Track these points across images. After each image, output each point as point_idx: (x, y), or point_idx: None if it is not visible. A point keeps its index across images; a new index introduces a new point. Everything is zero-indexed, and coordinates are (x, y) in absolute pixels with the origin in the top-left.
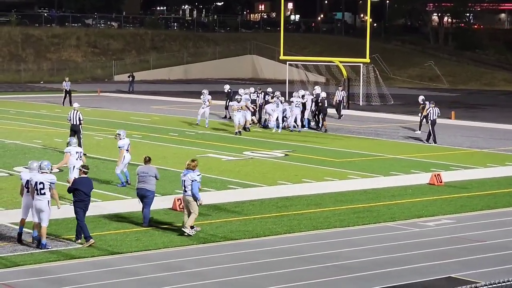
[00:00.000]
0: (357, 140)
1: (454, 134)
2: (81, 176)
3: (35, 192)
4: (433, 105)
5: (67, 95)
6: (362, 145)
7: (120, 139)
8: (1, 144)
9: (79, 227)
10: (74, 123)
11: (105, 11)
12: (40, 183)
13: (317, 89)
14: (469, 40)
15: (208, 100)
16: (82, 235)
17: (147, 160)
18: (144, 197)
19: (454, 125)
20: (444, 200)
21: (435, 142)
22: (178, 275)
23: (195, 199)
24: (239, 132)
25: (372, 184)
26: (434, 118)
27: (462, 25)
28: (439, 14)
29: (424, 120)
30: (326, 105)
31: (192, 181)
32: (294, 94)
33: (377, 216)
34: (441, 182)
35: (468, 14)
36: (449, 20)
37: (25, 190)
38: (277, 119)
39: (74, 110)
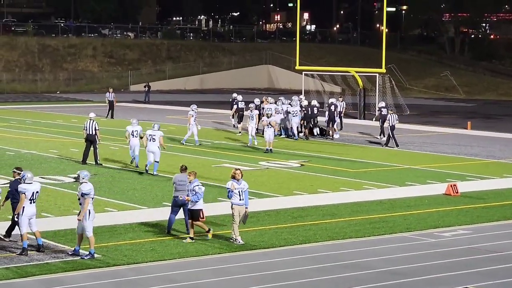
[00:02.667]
0: (372, 150)
1: (471, 144)
2: (16, 178)
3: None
4: (392, 112)
5: (111, 106)
6: (377, 155)
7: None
8: (17, 154)
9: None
10: (90, 132)
11: (121, 21)
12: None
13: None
14: (485, 50)
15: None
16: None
17: (184, 169)
18: (184, 205)
19: (470, 135)
20: (460, 211)
21: (397, 146)
22: (193, 285)
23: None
24: (271, 149)
25: (388, 195)
26: (393, 124)
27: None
28: (456, 24)
29: (384, 125)
30: (311, 112)
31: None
32: (292, 103)
33: (392, 226)
34: (457, 192)
35: (484, 24)
36: (466, 30)
37: (29, 201)
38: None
39: (90, 119)
